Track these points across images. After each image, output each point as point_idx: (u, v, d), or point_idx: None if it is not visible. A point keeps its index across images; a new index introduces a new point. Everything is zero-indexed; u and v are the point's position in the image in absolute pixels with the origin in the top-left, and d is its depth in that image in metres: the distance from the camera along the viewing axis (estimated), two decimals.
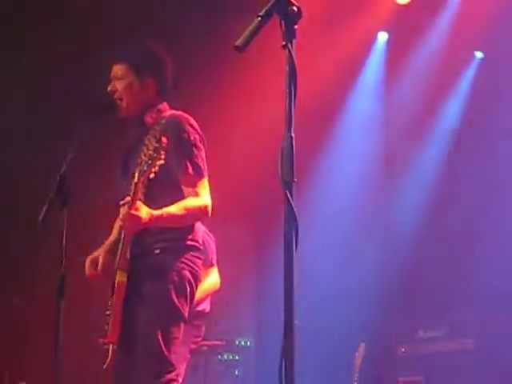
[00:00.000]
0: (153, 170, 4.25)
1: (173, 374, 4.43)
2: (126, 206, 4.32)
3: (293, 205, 2.80)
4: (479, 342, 8.05)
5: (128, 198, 4.32)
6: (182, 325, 4.57)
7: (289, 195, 2.80)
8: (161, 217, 4.37)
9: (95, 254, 4.70)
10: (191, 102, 5.13)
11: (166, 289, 4.47)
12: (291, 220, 2.80)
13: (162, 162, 4.25)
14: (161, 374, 4.38)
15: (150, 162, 4.23)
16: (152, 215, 4.33)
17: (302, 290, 2.84)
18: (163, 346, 4.39)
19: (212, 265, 6.29)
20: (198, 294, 5.63)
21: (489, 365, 7.94)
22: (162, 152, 4.24)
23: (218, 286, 6.34)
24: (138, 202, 4.29)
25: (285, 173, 2.83)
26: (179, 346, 4.62)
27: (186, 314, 4.56)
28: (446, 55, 9.30)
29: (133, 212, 4.26)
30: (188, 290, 4.56)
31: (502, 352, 8.01)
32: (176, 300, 4.48)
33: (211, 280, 6.26)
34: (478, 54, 9.75)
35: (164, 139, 4.27)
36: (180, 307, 4.50)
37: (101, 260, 4.62)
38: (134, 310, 4.44)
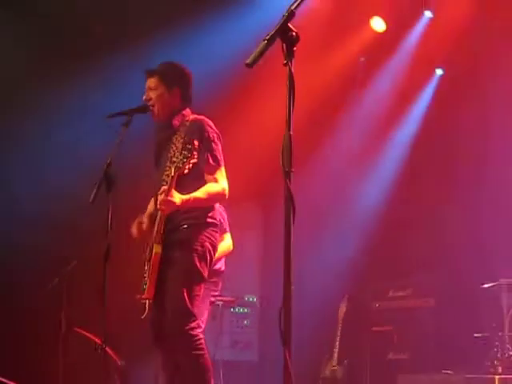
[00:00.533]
0: (187, 166, 4.43)
1: (195, 322, 4.52)
2: (163, 194, 4.46)
3: (290, 189, 2.84)
4: (438, 300, 8.08)
5: (165, 187, 4.46)
6: (203, 285, 4.69)
7: (288, 182, 2.85)
8: (188, 200, 4.52)
9: (139, 218, 4.85)
10: (211, 108, 5.19)
11: (191, 256, 4.58)
12: (289, 201, 2.84)
13: (195, 160, 4.46)
14: (186, 323, 4.47)
15: (184, 160, 4.40)
16: (182, 200, 4.48)
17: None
18: (187, 301, 4.49)
19: (226, 231, 6.38)
20: (217, 254, 5.89)
21: (446, 318, 8.02)
22: (195, 152, 4.44)
23: (231, 248, 6.40)
24: (173, 190, 4.44)
25: (285, 164, 2.87)
26: (200, 301, 4.73)
27: (206, 276, 4.68)
28: (410, 72, 9.33)
29: (169, 198, 4.42)
30: (208, 257, 4.67)
31: (457, 308, 8.09)
32: (198, 265, 4.59)
33: (225, 243, 6.32)
34: (439, 71, 9.78)
35: (196, 142, 4.45)
36: (202, 271, 4.61)
37: (145, 223, 4.77)
38: (165, 273, 4.55)
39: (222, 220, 6.27)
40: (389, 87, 9.33)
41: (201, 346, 4.52)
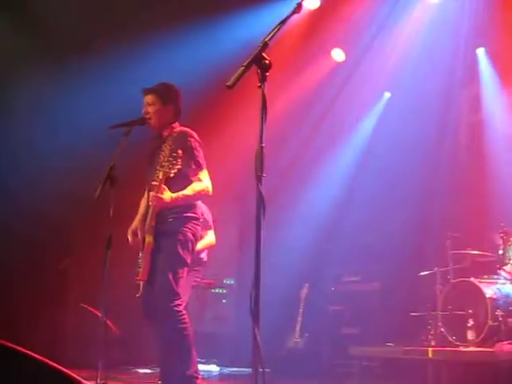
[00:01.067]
0: (173, 171, 4.41)
1: (179, 300, 4.48)
2: (154, 191, 4.43)
3: (262, 191, 2.84)
4: (383, 285, 8.13)
5: (155, 183, 4.43)
6: (186, 269, 4.65)
7: (259, 184, 2.85)
8: (177, 198, 4.51)
9: (133, 226, 4.80)
10: (197, 123, 5.14)
11: (175, 245, 4.54)
12: (260, 201, 2.84)
13: (179, 166, 4.44)
14: (171, 300, 4.44)
15: (170, 166, 4.41)
16: (172, 197, 4.47)
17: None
18: (173, 282, 4.46)
19: (210, 228, 6.36)
20: (200, 246, 5.86)
21: (389, 300, 8.06)
22: (179, 160, 4.42)
23: (213, 242, 6.36)
24: (163, 186, 4.43)
25: (257, 170, 2.87)
26: (184, 283, 4.69)
27: (189, 261, 4.64)
28: (363, 94, 9.36)
29: (159, 195, 4.40)
30: (190, 246, 4.63)
31: (398, 291, 8.13)
32: (181, 252, 4.54)
33: (209, 238, 6.30)
34: (387, 94, 9.84)
35: (180, 151, 4.44)
36: (184, 257, 4.57)
37: (138, 231, 4.72)
38: (155, 259, 4.52)
39: (206, 218, 6.24)
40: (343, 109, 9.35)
41: (184, 321, 4.48)
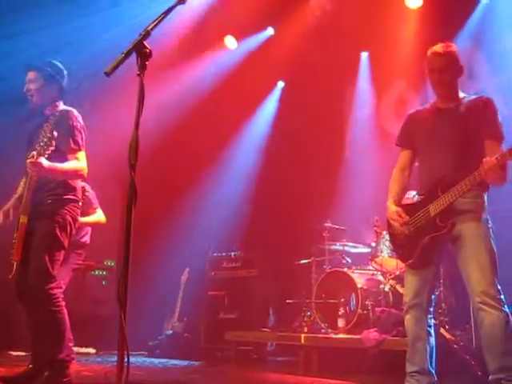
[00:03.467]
0: (47, 153, 4.33)
1: (54, 283, 4.45)
2: (32, 159, 4.34)
3: (133, 178, 2.85)
4: (261, 272, 8.27)
5: (34, 153, 4.34)
6: (63, 252, 4.60)
7: (132, 172, 2.85)
8: (55, 168, 4.42)
9: (5, 207, 4.76)
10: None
11: (53, 227, 4.51)
12: (132, 187, 2.84)
13: (53, 147, 4.35)
14: (46, 283, 4.40)
15: (45, 147, 4.32)
16: (50, 165, 4.38)
17: None
18: (48, 265, 4.42)
19: (97, 206, 6.33)
20: (87, 220, 6.06)
21: (267, 287, 8.25)
22: (53, 141, 4.34)
23: (103, 219, 6.38)
24: (41, 157, 4.34)
25: (131, 158, 2.88)
26: (64, 266, 4.66)
27: (66, 245, 4.60)
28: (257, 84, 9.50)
29: (37, 160, 4.32)
30: (68, 228, 4.60)
31: (276, 278, 8.35)
32: (59, 234, 4.51)
33: (98, 215, 6.32)
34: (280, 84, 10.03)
35: (55, 133, 4.37)
36: (62, 239, 4.54)
37: (10, 211, 4.66)
38: (31, 240, 4.46)
39: (90, 197, 6.20)
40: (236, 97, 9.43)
41: (58, 303, 4.45)
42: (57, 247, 4.52)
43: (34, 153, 4.36)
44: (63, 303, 4.55)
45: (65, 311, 4.53)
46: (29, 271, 4.43)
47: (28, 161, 4.37)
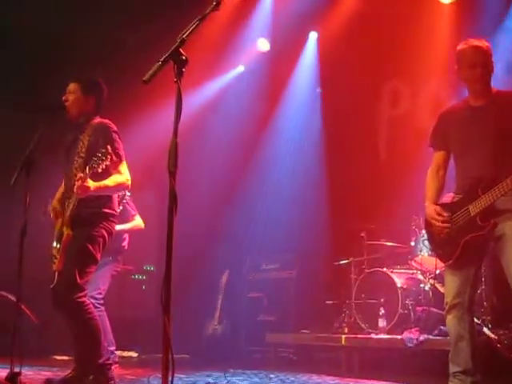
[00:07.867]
0: (101, 167, 4.35)
1: (82, 293, 4.47)
2: (79, 181, 4.37)
3: (174, 185, 2.85)
4: (299, 273, 8.25)
5: (81, 175, 4.37)
6: (95, 265, 4.61)
7: (172, 179, 2.86)
8: (100, 187, 4.46)
9: (54, 204, 4.82)
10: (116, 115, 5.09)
11: (88, 241, 4.53)
12: (173, 194, 2.85)
13: (108, 163, 4.39)
14: (74, 293, 4.41)
15: (99, 162, 4.34)
16: (95, 186, 4.42)
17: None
18: (77, 277, 4.42)
19: (134, 214, 6.38)
20: (123, 232, 6.12)
21: (305, 288, 8.24)
22: (109, 156, 4.38)
23: (142, 225, 6.44)
24: (88, 179, 4.38)
25: (170, 165, 2.87)
26: (101, 273, 4.68)
27: (99, 258, 4.62)
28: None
29: (85, 184, 4.36)
30: (102, 242, 4.61)
31: (314, 280, 8.34)
32: (92, 249, 4.54)
33: (137, 222, 6.37)
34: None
35: (109, 147, 4.40)
36: (94, 254, 4.56)
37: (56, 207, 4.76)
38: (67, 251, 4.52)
39: (129, 205, 6.28)
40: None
41: (89, 311, 4.47)
42: (89, 262, 4.55)
43: (80, 162, 4.43)
44: (94, 310, 4.62)
45: (97, 317, 4.58)
46: (58, 282, 4.49)
47: (77, 184, 4.38)
